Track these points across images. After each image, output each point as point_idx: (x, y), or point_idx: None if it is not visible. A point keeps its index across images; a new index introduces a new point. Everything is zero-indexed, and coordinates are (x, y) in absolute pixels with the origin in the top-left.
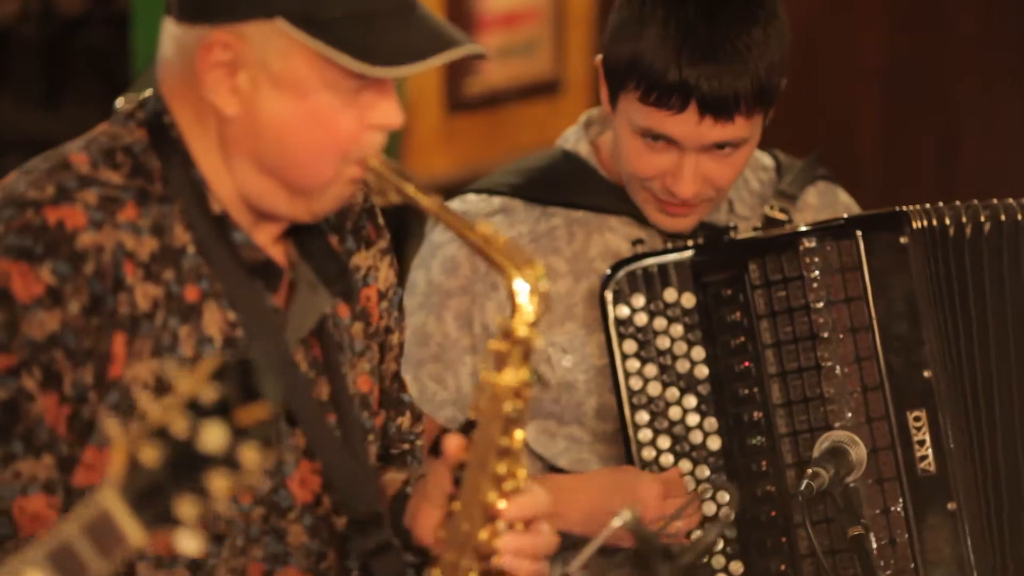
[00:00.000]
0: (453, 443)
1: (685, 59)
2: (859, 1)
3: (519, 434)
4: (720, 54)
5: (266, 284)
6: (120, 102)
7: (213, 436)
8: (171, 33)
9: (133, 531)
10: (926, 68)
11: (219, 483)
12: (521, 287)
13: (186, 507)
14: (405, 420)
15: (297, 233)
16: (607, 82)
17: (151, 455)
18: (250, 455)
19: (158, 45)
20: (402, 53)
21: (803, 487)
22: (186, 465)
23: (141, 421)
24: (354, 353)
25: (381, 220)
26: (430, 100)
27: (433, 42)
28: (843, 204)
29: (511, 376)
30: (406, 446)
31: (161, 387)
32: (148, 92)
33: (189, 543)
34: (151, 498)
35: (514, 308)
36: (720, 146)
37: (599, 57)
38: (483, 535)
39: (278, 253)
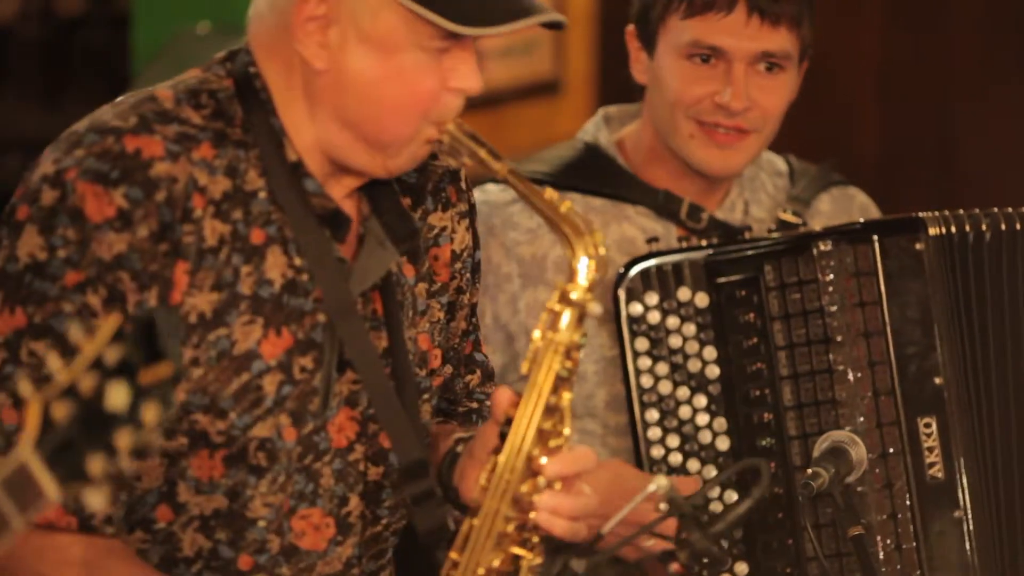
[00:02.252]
0: (503, 397)
1: None
2: (859, 1)
3: (567, 394)
4: None
5: (334, 234)
6: None
7: (118, 395)
8: None
9: (49, 486)
10: (925, 68)
11: (124, 440)
12: (581, 254)
13: (96, 464)
14: (475, 378)
15: (371, 190)
16: (641, 33)
17: (62, 412)
18: (150, 413)
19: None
20: (489, 14)
21: (802, 487)
22: (94, 423)
23: (51, 381)
24: (416, 312)
25: (464, 184)
26: None
27: (518, 6)
28: (859, 205)
29: (565, 335)
30: (474, 404)
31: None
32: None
33: (96, 499)
34: (64, 454)
35: (572, 272)
36: (767, 58)
37: (630, 28)
38: (524, 488)
39: (350, 206)
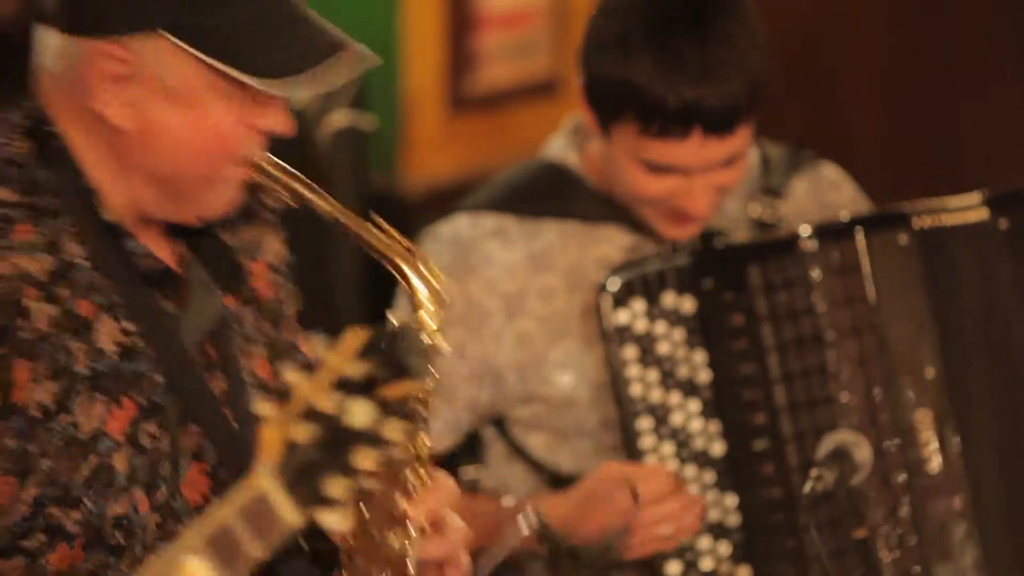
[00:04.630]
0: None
1: (682, 81)
2: (860, 0)
3: (424, 439)
4: (714, 68)
5: (162, 292)
6: None
7: (359, 413)
8: (54, 44)
9: (289, 512)
10: (927, 68)
11: (365, 459)
12: (418, 285)
13: (336, 485)
14: None
15: (185, 231)
16: (596, 108)
17: (302, 434)
18: (394, 430)
19: (39, 51)
20: (287, 64)
21: (807, 489)
22: (334, 443)
23: (291, 400)
24: (247, 340)
25: (267, 198)
26: (430, 100)
27: (319, 53)
28: (829, 181)
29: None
30: None
31: (309, 367)
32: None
33: (337, 521)
34: (303, 477)
35: (416, 306)
36: (725, 162)
37: (581, 82)
38: (393, 541)
39: (168, 254)
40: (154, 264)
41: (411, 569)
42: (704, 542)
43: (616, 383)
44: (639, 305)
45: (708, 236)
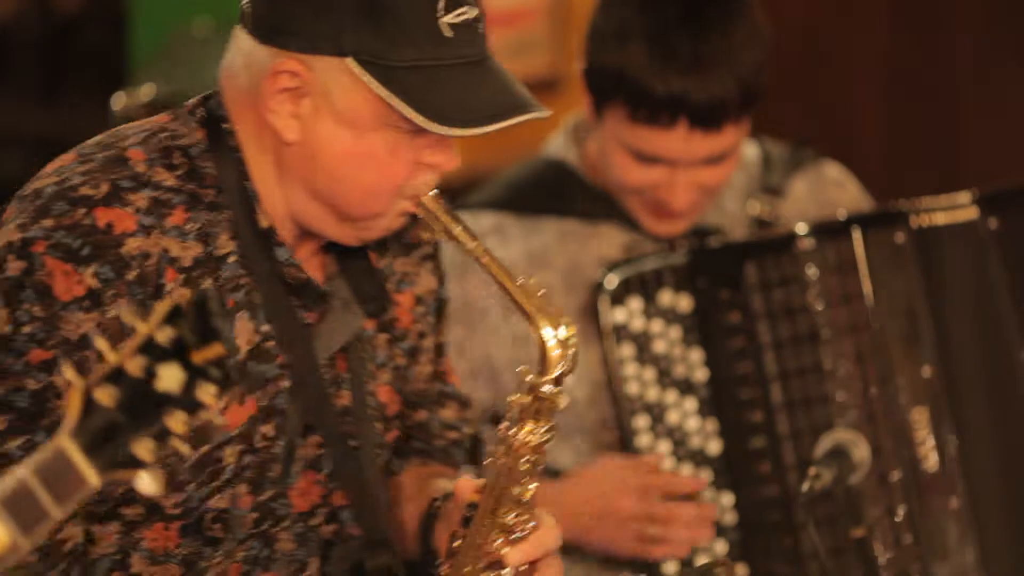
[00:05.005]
0: (466, 486)
1: (672, 71)
2: (860, 1)
3: (532, 486)
4: (706, 62)
5: (302, 302)
6: (116, 99)
7: (168, 377)
8: (242, 44)
9: (88, 472)
10: (928, 67)
11: (178, 423)
12: (551, 341)
13: (145, 448)
14: (449, 411)
15: (339, 247)
16: (591, 94)
17: (107, 396)
18: (207, 393)
19: (227, 49)
20: (463, 112)
21: (805, 488)
22: (144, 406)
23: (98, 365)
24: (376, 365)
25: (424, 232)
26: None
27: (500, 103)
28: (832, 180)
29: (530, 432)
30: (453, 435)
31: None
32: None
33: (148, 484)
34: (109, 440)
35: (543, 363)
36: (711, 159)
37: (581, 68)
38: None
39: (317, 266)
40: (298, 275)
41: None
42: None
43: (613, 381)
44: (636, 303)
45: (705, 234)
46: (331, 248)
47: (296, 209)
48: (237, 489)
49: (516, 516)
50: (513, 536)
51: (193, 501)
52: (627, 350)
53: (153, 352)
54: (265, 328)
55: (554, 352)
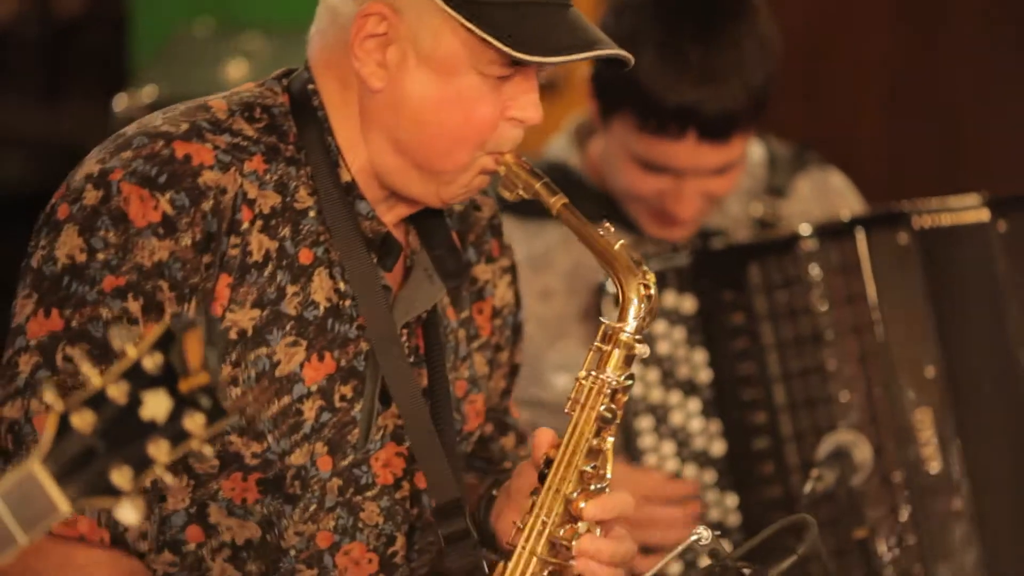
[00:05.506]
0: (544, 437)
1: (684, 83)
2: (861, 1)
3: (610, 437)
4: (718, 74)
5: (381, 260)
6: (118, 100)
7: (154, 404)
8: (328, 2)
9: (61, 500)
10: (929, 67)
11: (161, 452)
12: (632, 293)
13: (123, 476)
14: (509, 441)
15: (422, 221)
16: (598, 101)
17: (84, 421)
18: (195, 423)
19: (316, 16)
20: (552, 45)
21: (807, 490)
22: (125, 433)
23: (80, 388)
24: (457, 356)
25: (507, 240)
26: None
27: (582, 39)
28: (835, 189)
29: (611, 376)
30: (508, 465)
31: (104, 354)
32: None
33: (126, 513)
34: (85, 466)
35: (623, 311)
36: (718, 170)
37: (588, 74)
38: (561, 532)
39: (399, 235)
40: (378, 228)
41: (573, 564)
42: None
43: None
44: None
45: (708, 236)
46: (413, 223)
47: (379, 163)
48: (315, 447)
49: (593, 468)
50: (591, 488)
51: (272, 454)
52: None
53: (139, 378)
54: (343, 286)
55: (632, 301)
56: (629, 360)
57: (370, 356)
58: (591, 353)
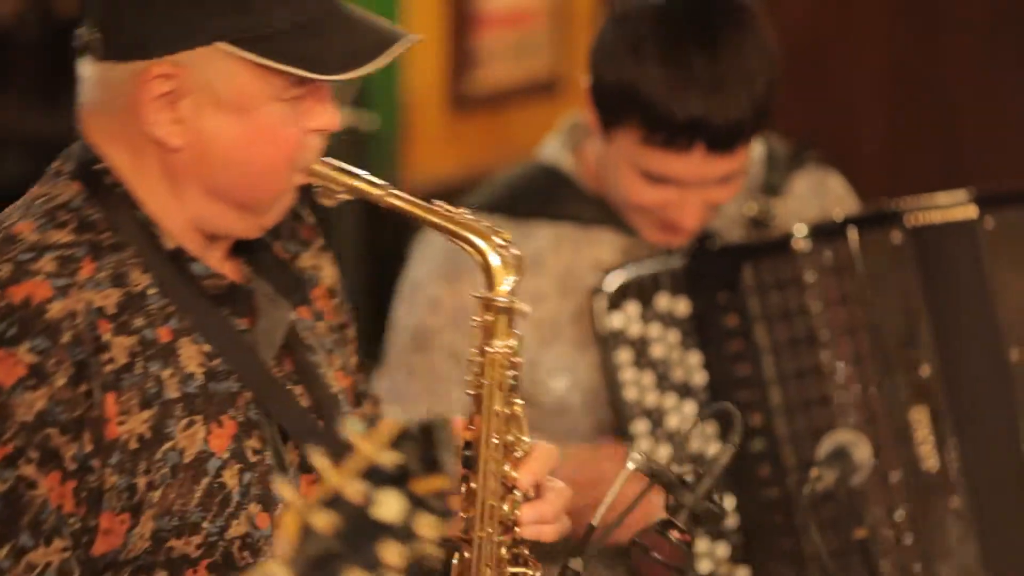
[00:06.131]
0: (456, 425)
1: (691, 95)
2: (862, 1)
3: (519, 401)
4: (724, 85)
5: (235, 310)
6: None
7: (389, 505)
8: (95, 75)
9: None
10: (929, 67)
11: (392, 554)
12: (493, 257)
13: None
14: (367, 409)
15: (244, 250)
16: (599, 110)
17: (323, 522)
18: (426, 525)
19: (82, 91)
20: (343, 58)
21: (807, 490)
22: (360, 534)
23: (319, 486)
24: (327, 351)
25: (312, 220)
26: (431, 100)
27: (374, 43)
28: (833, 194)
29: (502, 344)
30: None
31: (337, 451)
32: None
33: None
34: (322, 569)
35: (491, 278)
36: (722, 179)
37: (587, 83)
38: (505, 507)
39: (230, 271)
40: (220, 282)
41: (523, 533)
42: (702, 544)
43: (611, 386)
44: (633, 308)
45: (701, 238)
46: (237, 253)
47: (197, 215)
48: (250, 510)
49: (514, 435)
50: (515, 455)
51: (213, 536)
52: (625, 355)
53: (374, 477)
54: (208, 348)
55: (495, 263)
56: (512, 323)
57: (258, 403)
58: (476, 330)
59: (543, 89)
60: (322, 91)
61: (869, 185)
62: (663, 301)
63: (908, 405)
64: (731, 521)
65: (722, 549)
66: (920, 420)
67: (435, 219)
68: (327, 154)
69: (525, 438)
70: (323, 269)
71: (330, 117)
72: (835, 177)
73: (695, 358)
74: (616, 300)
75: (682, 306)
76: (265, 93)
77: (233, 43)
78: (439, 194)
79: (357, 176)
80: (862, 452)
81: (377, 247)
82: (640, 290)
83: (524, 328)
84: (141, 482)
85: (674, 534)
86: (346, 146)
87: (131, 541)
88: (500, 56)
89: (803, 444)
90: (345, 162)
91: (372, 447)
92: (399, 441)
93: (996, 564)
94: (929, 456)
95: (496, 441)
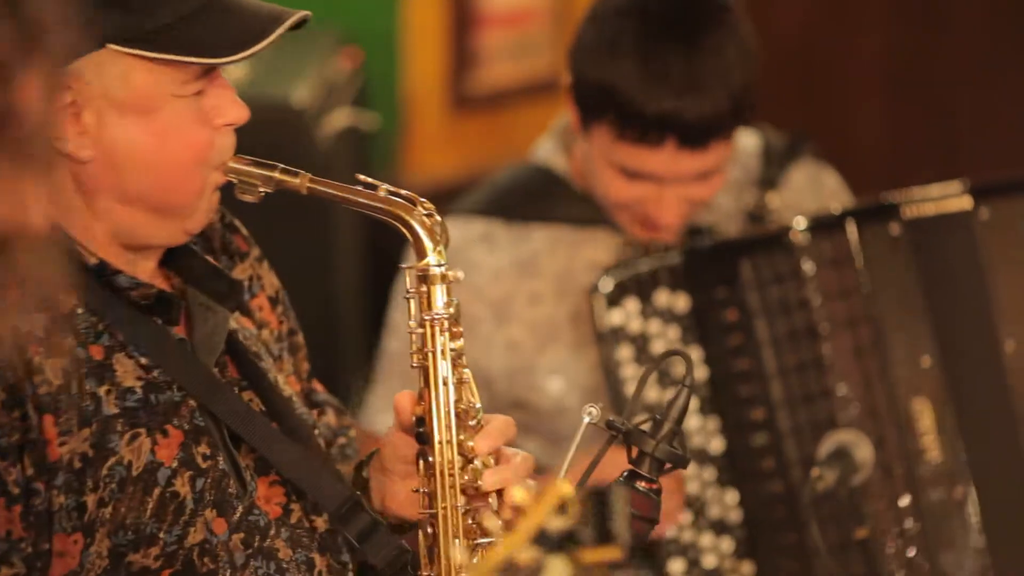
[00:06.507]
0: (404, 399)
1: (664, 91)
2: (859, 1)
3: (465, 369)
4: (699, 82)
5: (165, 318)
6: None
7: (557, 571)
8: None
9: None
10: (927, 67)
11: None
12: (419, 228)
13: None
14: (330, 418)
15: (174, 261)
16: (578, 106)
17: None
18: None
19: None
20: (234, 39)
21: (807, 490)
22: None
23: (492, 551)
24: (274, 358)
25: (245, 231)
26: (431, 99)
27: (263, 23)
28: (828, 189)
29: (442, 311)
30: (342, 440)
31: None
32: None
33: None
34: None
35: (419, 250)
36: (699, 176)
37: (567, 79)
38: (466, 478)
39: (162, 285)
40: (147, 292)
41: (491, 502)
42: (706, 539)
43: (611, 383)
44: (633, 305)
45: (698, 232)
46: (167, 265)
47: (117, 226)
48: (206, 516)
49: (465, 402)
50: (470, 424)
51: (171, 546)
52: (625, 351)
53: (545, 543)
54: (144, 360)
55: (422, 234)
56: (448, 291)
57: (203, 410)
58: (411, 303)
59: (544, 89)
60: (222, 85)
61: (866, 180)
62: (662, 297)
63: (910, 397)
64: (735, 516)
65: (727, 544)
66: (922, 411)
67: (359, 199)
68: (326, 156)
69: (477, 403)
70: (263, 278)
71: (236, 111)
72: (830, 173)
73: (696, 353)
74: (615, 297)
75: (681, 302)
76: (163, 90)
77: (122, 43)
78: (439, 194)
79: (274, 167)
80: (863, 452)
81: (377, 247)
82: (639, 286)
83: (521, 332)
84: (90, 500)
85: (641, 484)
86: (346, 146)
87: (88, 560)
88: (500, 56)
89: (805, 438)
90: (346, 162)
91: (542, 511)
92: (567, 505)
93: (1001, 553)
94: (931, 447)
95: (447, 411)
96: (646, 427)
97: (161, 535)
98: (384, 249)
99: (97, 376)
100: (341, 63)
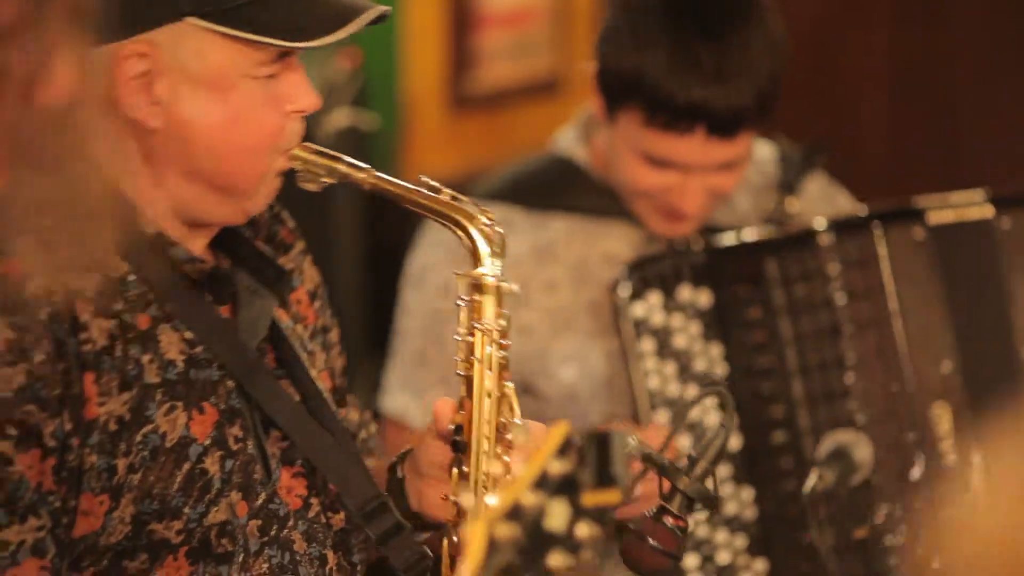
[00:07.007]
0: (445, 405)
1: (693, 80)
2: (866, 1)
3: (509, 381)
4: (727, 73)
5: (215, 296)
6: None
7: (557, 514)
8: None
9: None
10: (931, 66)
11: (560, 563)
12: (478, 236)
13: None
14: (354, 413)
15: (225, 243)
16: (604, 94)
17: (507, 533)
18: (588, 531)
19: None
20: (315, 25)
21: (806, 490)
22: (535, 545)
23: (501, 497)
24: (308, 353)
25: (292, 223)
26: (431, 99)
27: (340, 13)
28: (841, 207)
29: (492, 322)
30: (363, 434)
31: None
32: None
33: None
34: None
35: (477, 259)
36: (724, 166)
37: (593, 65)
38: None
39: (212, 259)
40: (202, 267)
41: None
42: (721, 535)
43: (633, 376)
44: (655, 298)
45: (717, 232)
46: (219, 246)
47: (178, 199)
48: (231, 498)
49: (506, 415)
50: (507, 438)
51: (193, 522)
52: (647, 344)
53: (547, 487)
54: (189, 335)
55: (482, 244)
56: (501, 302)
57: (240, 392)
58: (462, 311)
59: (543, 89)
60: (297, 71)
61: (871, 181)
62: (685, 292)
63: (929, 400)
64: (750, 513)
65: (740, 541)
66: (941, 415)
67: (421, 200)
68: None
69: (517, 420)
70: (304, 272)
71: (309, 98)
72: (842, 192)
73: (717, 349)
74: (639, 290)
75: (704, 298)
76: (238, 69)
77: (203, 17)
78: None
79: (339, 159)
80: (862, 452)
81: (377, 244)
82: (662, 280)
83: (536, 317)
84: (120, 464)
85: (668, 520)
86: (347, 146)
87: (111, 524)
88: (500, 56)
89: (824, 437)
90: None
91: (545, 454)
92: (567, 449)
93: None
94: (950, 451)
95: (488, 423)
96: (681, 463)
97: (186, 510)
98: (384, 247)
99: (141, 344)
100: (341, 63)
